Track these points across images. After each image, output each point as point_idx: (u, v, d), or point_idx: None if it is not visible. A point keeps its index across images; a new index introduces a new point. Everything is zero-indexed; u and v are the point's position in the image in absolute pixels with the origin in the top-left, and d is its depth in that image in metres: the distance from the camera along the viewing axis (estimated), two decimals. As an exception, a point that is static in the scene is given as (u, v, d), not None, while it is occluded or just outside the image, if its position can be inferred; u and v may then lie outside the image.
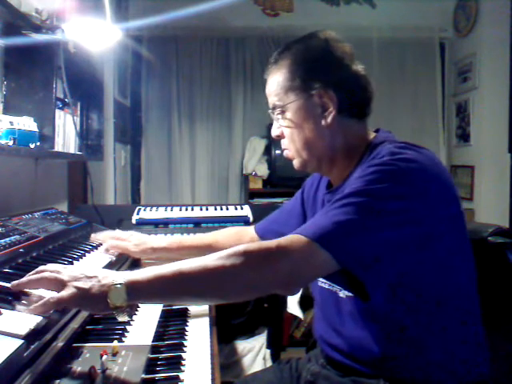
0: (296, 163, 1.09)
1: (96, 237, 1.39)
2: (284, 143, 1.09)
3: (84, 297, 0.80)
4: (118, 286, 0.80)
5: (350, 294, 0.98)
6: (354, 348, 1.00)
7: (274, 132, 1.10)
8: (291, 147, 1.07)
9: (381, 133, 1.08)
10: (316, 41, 1.05)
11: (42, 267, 0.86)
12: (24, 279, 0.83)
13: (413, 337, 0.95)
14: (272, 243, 0.85)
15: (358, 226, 0.85)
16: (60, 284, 0.81)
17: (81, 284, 0.80)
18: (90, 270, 0.86)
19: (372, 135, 1.08)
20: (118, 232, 1.40)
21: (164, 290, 0.84)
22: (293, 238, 0.86)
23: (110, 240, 1.35)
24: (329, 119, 1.01)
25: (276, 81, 1.05)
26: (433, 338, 0.95)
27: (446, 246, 0.93)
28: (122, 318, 0.83)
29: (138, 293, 0.82)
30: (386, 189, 0.86)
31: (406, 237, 0.87)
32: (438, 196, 0.90)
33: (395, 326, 0.95)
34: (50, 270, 0.84)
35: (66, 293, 0.79)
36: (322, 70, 1.02)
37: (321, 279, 1.09)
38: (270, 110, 1.09)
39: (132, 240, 1.35)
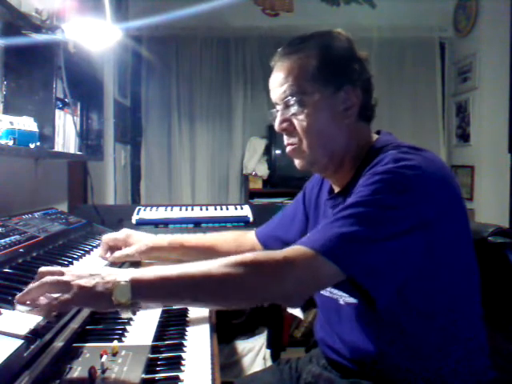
0: (301, 161, 1.04)
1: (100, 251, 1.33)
2: (292, 139, 1.02)
3: (89, 295, 0.79)
4: (123, 283, 0.79)
5: (350, 301, 0.98)
6: (355, 352, 1.00)
7: (281, 124, 1.02)
8: (304, 143, 1.00)
9: (382, 136, 1.06)
10: (340, 39, 1.02)
11: (41, 269, 0.84)
12: (26, 290, 0.80)
13: (414, 342, 0.94)
14: (279, 255, 0.84)
15: (364, 237, 0.84)
16: (63, 285, 0.79)
17: (84, 282, 0.79)
18: (93, 268, 0.85)
19: (374, 138, 1.06)
20: (112, 237, 1.32)
21: (167, 292, 0.84)
22: (300, 251, 0.85)
23: (113, 250, 1.29)
24: (351, 117, 1.00)
25: (299, 68, 0.98)
26: (434, 343, 0.94)
27: (453, 250, 0.93)
28: (126, 315, 0.83)
29: (142, 291, 0.81)
30: (391, 198, 0.86)
31: (412, 244, 0.86)
32: (444, 201, 0.90)
33: (396, 331, 0.95)
34: (51, 272, 0.82)
35: (71, 294, 0.78)
36: (350, 68, 1.00)
37: None
38: (278, 100, 1.02)
39: (132, 242, 1.29)
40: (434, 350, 0.94)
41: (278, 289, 0.84)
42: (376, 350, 0.96)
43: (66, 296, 0.78)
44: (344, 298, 1.01)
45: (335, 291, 1.04)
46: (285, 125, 1.02)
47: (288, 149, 1.05)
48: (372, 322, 0.97)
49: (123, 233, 1.32)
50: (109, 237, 1.31)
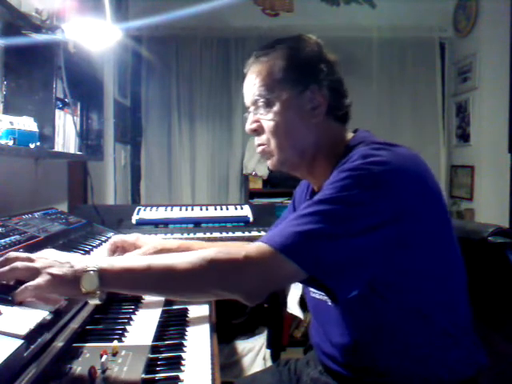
0: (273, 160, 1.05)
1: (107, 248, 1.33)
2: (261, 138, 1.04)
3: (58, 283, 0.81)
4: (91, 272, 0.82)
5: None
6: (347, 356, 1.00)
7: (251, 126, 1.05)
8: (272, 142, 1.02)
9: (359, 133, 1.06)
10: (308, 42, 1.05)
11: (11, 254, 0.86)
12: None
13: (405, 342, 0.94)
14: (240, 253, 0.84)
15: (325, 234, 0.83)
16: (34, 272, 0.82)
17: (55, 271, 0.82)
18: (62, 255, 0.87)
19: (350, 136, 1.06)
20: (122, 237, 1.32)
21: (132, 283, 0.87)
22: (259, 248, 0.85)
23: (119, 251, 1.29)
24: (318, 116, 1.01)
25: (266, 70, 1.01)
26: (419, 341, 0.94)
27: (430, 246, 0.91)
28: (94, 302, 0.85)
29: (109, 281, 0.84)
30: (354, 195, 0.85)
31: (381, 240, 0.85)
32: (416, 196, 0.88)
33: (384, 330, 0.95)
34: (21, 258, 0.85)
35: (41, 280, 0.81)
36: (317, 69, 1.01)
37: (312, 290, 1.09)
38: (249, 103, 1.05)
39: (140, 245, 1.28)
40: (426, 349, 0.94)
41: (236, 286, 0.85)
42: (363, 350, 0.96)
43: (38, 281, 0.80)
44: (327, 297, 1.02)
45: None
46: (254, 125, 1.04)
47: (258, 149, 1.07)
48: (355, 322, 0.97)
49: (133, 236, 1.32)
50: (119, 237, 1.32)
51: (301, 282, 0.96)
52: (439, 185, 0.95)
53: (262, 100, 1.01)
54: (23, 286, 0.80)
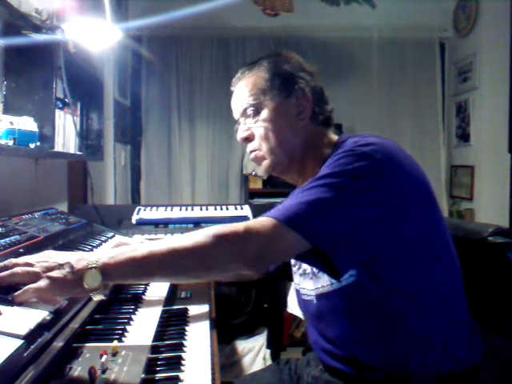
0: (265, 164, 1.10)
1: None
2: (253, 145, 1.11)
3: (60, 285, 0.82)
4: (93, 270, 0.83)
5: (320, 291, 1.00)
6: (344, 349, 1.00)
7: (242, 134, 1.11)
8: (263, 146, 1.08)
9: (343, 135, 1.12)
10: (288, 56, 1.13)
11: (11, 260, 0.86)
12: None
13: (398, 321, 0.94)
14: (240, 226, 0.88)
15: (324, 204, 0.88)
16: (34, 276, 0.82)
17: (55, 274, 0.83)
18: (61, 255, 0.88)
19: (335, 138, 1.12)
20: (125, 239, 1.31)
21: (136, 272, 0.88)
22: (261, 221, 0.90)
23: None
24: (304, 120, 1.08)
25: (252, 83, 1.09)
26: (416, 329, 0.94)
27: (420, 229, 0.94)
28: (98, 298, 0.86)
29: (112, 274, 0.86)
30: (350, 169, 0.90)
31: (373, 215, 0.89)
32: (406, 177, 0.93)
33: (378, 311, 0.95)
34: (20, 264, 0.85)
35: (43, 283, 0.81)
36: (298, 77, 1.09)
37: (302, 291, 1.10)
38: (238, 115, 1.12)
39: None
40: (424, 338, 0.94)
41: (239, 257, 0.88)
42: (359, 342, 0.97)
43: (39, 284, 0.81)
44: (313, 296, 1.04)
45: (306, 291, 1.07)
46: (245, 134, 1.11)
47: (251, 156, 1.14)
48: (351, 314, 0.97)
49: (136, 239, 1.35)
50: (121, 240, 1.32)
51: (300, 258, 1.01)
52: (423, 170, 1.00)
53: (251, 109, 1.09)
54: (24, 288, 0.80)
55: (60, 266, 0.84)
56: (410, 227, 0.93)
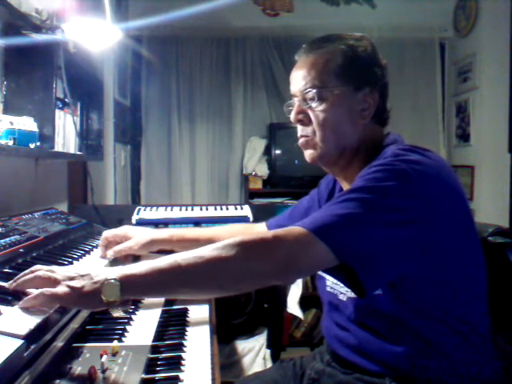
0: (313, 153, 1.05)
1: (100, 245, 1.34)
2: (305, 130, 1.05)
3: (77, 295, 0.80)
4: (112, 281, 0.80)
5: (352, 296, 0.98)
6: (361, 343, 1.00)
7: (297, 117, 1.05)
8: (318, 134, 1.03)
9: (390, 136, 1.08)
10: (365, 42, 1.08)
11: (36, 266, 0.85)
12: (19, 280, 0.83)
13: (418, 337, 0.94)
14: (269, 233, 0.86)
15: (356, 219, 0.84)
16: (54, 282, 0.81)
17: (74, 283, 0.80)
18: (85, 269, 0.86)
19: (383, 136, 1.08)
20: (112, 232, 1.34)
21: (161, 283, 0.84)
22: (290, 229, 0.86)
23: (112, 246, 1.31)
24: (366, 118, 1.03)
25: (323, 62, 1.02)
26: (439, 340, 0.94)
27: (453, 253, 0.92)
28: (117, 314, 0.83)
29: (133, 287, 0.82)
30: (386, 187, 0.86)
31: (405, 237, 0.86)
32: (443, 200, 0.89)
33: (399, 326, 0.95)
34: (44, 269, 0.84)
35: (60, 290, 0.79)
36: (372, 71, 1.04)
37: (327, 282, 1.10)
38: (297, 92, 1.05)
39: (131, 236, 1.31)
40: (439, 349, 0.94)
41: (268, 266, 0.84)
42: (379, 344, 0.96)
43: (56, 290, 0.79)
44: (345, 294, 1.03)
45: (333, 284, 1.06)
46: (301, 116, 1.05)
47: (301, 140, 1.07)
48: (374, 317, 0.97)
49: (123, 228, 1.35)
50: (109, 232, 1.33)
51: (327, 272, 0.96)
52: (464, 190, 0.96)
53: (314, 91, 1.02)
54: (40, 290, 0.79)
55: (81, 277, 0.82)
56: (440, 255, 0.90)
